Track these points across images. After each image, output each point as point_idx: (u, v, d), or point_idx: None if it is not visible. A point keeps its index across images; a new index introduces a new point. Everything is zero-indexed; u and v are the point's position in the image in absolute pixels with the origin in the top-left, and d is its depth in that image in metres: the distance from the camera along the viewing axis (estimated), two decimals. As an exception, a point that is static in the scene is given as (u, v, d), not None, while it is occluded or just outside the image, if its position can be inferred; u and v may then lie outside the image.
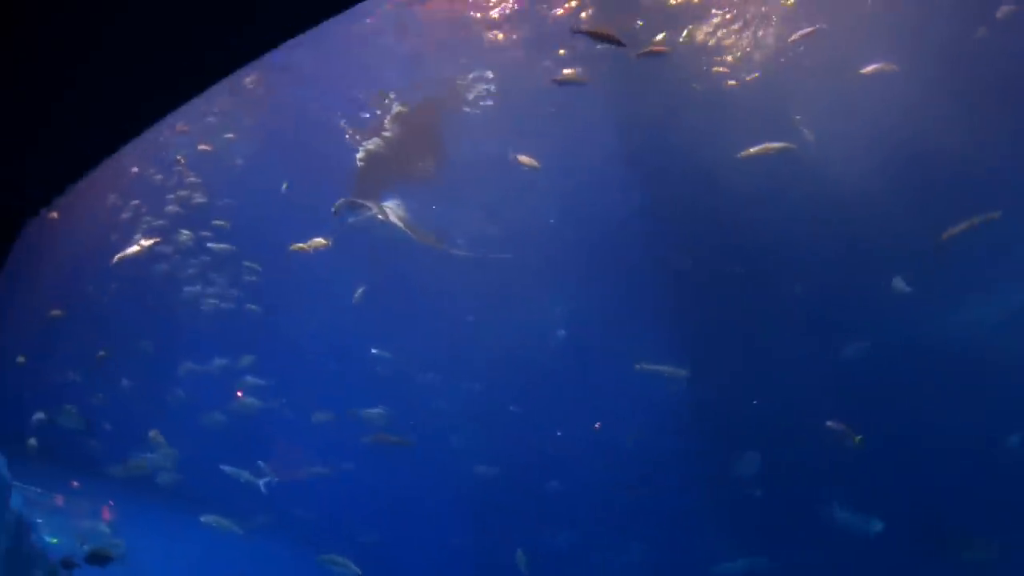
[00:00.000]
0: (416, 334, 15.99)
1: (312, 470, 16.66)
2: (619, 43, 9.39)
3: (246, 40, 2.14)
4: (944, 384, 13.08)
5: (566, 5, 11.97)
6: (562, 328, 15.61)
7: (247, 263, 15.25)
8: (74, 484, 17.19)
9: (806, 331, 13.91)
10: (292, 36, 2.17)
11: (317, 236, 13.19)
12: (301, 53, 12.68)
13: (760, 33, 11.96)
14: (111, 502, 17.26)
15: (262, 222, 14.86)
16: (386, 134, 14.52)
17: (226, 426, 15.47)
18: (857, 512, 13.91)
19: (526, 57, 12.85)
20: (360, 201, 14.01)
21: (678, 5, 11.83)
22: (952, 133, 11.42)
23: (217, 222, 14.79)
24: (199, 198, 15.00)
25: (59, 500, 16.99)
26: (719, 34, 12.09)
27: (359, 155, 14.68)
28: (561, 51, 12.68)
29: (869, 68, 11.07)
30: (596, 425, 16.18)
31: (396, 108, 14.28)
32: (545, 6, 12.07)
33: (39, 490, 16.12)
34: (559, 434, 16.49)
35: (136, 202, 15.01)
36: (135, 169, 14.96)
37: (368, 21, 12.40)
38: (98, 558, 10.90)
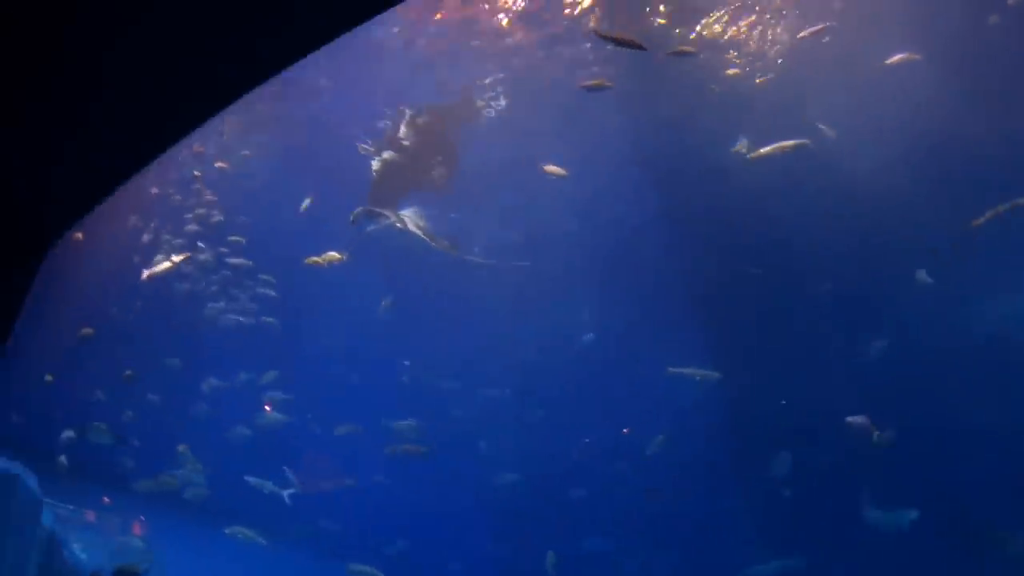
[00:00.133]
0: (439, 343, 16.00)
1: (338, 481, 16.71)
2: (640, 47, 9.36)
3: (263, 58, 2.17)
4: (975, 379, 12.87)
5: (579, 8, 11.96)
6: (590, 332, 15.54)
7: (263, 276, 15.35)
8: (105, 500, 17.38)
9: (832, 328, 13.77)
10: (307, 53, 2.19)
11: (332, 250, 13.21)
12: (313, 66, 12.77)
13: (777, 30, 11.89)
14: (142, 517, 17.44)
15: (281, 236, 14.96)
16: (403, 142, 14.55)
17: (252, 440, 15.57)
18: (888, 509, 13.70)
19: (540, 59, 12.85)
20: (378, 210, 14.04)
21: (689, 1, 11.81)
22: (970, 123, 11.29)
23: (234, 238, 14.91)
24: (217, 216, 15.15)
25: (91, 516, 17.17)
26: (730, 32, 12.04)
27: (374, 165, 14.73)
28: (574, 53, 12.67)
29: (894, 58, 10.97)
30: (625, 430, 16.09)
31: (409, 116, 14.33)
32: (557, 6, 12.07)
33: (71, 507, 16.32)
34: (587, 440, 16.42)
35: (155, 223, 15.19)
36: (155, 190, 15.15)
37: (379, 30, 12.48)
38: (125, 574, 10.99)
